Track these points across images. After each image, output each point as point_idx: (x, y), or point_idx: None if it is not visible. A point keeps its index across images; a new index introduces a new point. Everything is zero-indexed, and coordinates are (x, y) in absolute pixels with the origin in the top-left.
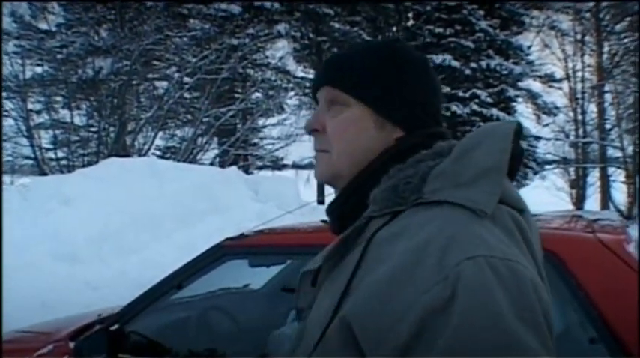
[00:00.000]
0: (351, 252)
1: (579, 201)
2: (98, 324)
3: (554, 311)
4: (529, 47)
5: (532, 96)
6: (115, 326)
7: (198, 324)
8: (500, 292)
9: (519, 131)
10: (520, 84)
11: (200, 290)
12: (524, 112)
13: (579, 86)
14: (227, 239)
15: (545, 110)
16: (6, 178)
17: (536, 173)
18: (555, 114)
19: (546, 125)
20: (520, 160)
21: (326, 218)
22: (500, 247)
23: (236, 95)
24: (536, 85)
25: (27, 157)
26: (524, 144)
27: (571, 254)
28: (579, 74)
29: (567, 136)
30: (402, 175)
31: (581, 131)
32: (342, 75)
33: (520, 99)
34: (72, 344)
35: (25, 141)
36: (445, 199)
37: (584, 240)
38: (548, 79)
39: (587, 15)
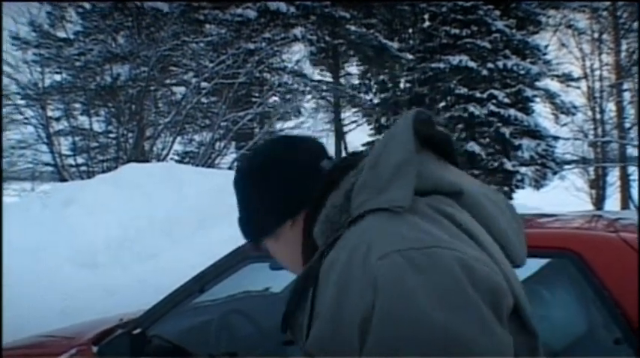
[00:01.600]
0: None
1: (599, 201)
2: (120, 328)
3: (578, 312)
4: (546, 46)
5: (550, 96)
6: (138, 330)
7: (220, 328)
8: (418, 282)
9: (425, 118)
10: (537, 84)
11: (222, 294)
12: (542, 112)
13: (597, 85)
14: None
15: (563, 110)
16: (26, 185)
17: (555, 173)
18: (574, 114)
19: (565, 125)
20: (450, 143)
21: None
22: (419, 237)
23: (253, 99)
24: (553, 85)
25: (47, 164)
26: (542, 145)
27: (594, 253)
28: (597, 73)
29: (586, 136)
30: (330, 201)
31: (600, 130)
32: (250, 233)
33: (538, 99)
34: (95, 349)
35: (45, 148)
36: (368, 208)
37: (607, 239)
38: (566, 79)
39: (605, 13)
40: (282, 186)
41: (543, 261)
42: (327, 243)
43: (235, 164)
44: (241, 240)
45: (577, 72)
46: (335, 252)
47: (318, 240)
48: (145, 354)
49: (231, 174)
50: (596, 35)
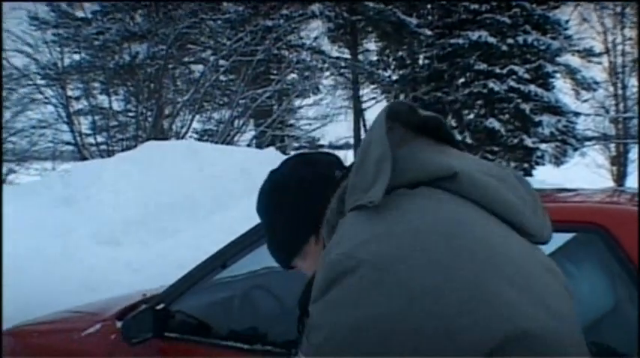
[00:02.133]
0: None
1: (620, 177)
2: (143, 304)
3: (604, 287)
4: (567, 21)
5: (571, 72)
6: (161, 306)
7: (242, 303)
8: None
9: (409, 108)
10: (558, 59)
11: (244, 270)
12: (563, 88)
13: (619, 60)
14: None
15: (584, 85)
16: (47, 164)
17: (575, 150)
18: (595, 90)
19: (586, 101)
20: (442, 126)
21: None
22: (346, 243)
23: (272, 76)
24: (574, 60)
25: (67, 143)
26: (563, 121)
27: (620, 227)
28: (619, 47)
29: (607, 112)
30: (330, 207)
31: (621, 106)
32: (279, 260)
33: (558, 75)
34: (119, 324)
35: (65, 127)
36: (349, 208)
37: (632, 212)
38: (587, 54)
39: None
40: (301, 204)
41: (568, 236)
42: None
43: (254, 142)
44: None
45: (598, 47)
46: (329, 251)
47: (325, 241)
48: (168, 329)
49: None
50: (618, 9)
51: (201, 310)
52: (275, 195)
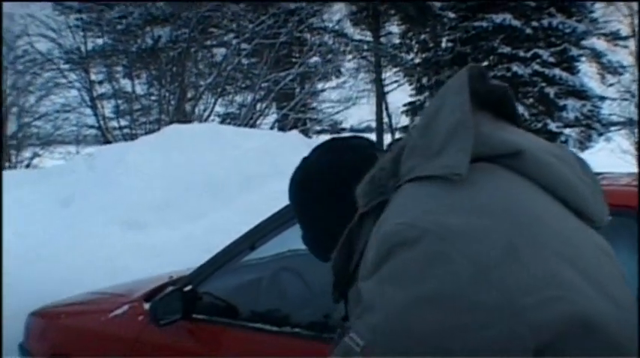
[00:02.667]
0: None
1: None
2: (170, 286)
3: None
4: (593, 4)
5: (596, 56)
6: (189, 287)
7: (270, 285)
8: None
9: (479, 74)
10: (583, 42)
11: (272, 252)
12: (588, 72)
13: None
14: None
15: (610, 69)
16: (71, 148)
17: (600, 134)
18: (621, 74)
19: (611, 85)
20: (509, 99)
21: None
22: (408, 212)
23: (294, 60)
24: (600, 44)
25: (91, 127)
26: (588, 106)
27: None
28: None
29: (633, 96)
30: (379, 163)
31: None
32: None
33: (584, 59)
34: (146, 305)
35: (88, 111)
36: (417, 176)
37: None
38: (614, 37)
39: None
40: (343, 195)
41: None
42: (369, 204)
43: (276, 125)
44: (286, 200)
45: (625, 30)
46: (386, 221)
47: (360, 199)
48: (196, 311)
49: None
50: None
51: (229, 292)
52: (313, 185)
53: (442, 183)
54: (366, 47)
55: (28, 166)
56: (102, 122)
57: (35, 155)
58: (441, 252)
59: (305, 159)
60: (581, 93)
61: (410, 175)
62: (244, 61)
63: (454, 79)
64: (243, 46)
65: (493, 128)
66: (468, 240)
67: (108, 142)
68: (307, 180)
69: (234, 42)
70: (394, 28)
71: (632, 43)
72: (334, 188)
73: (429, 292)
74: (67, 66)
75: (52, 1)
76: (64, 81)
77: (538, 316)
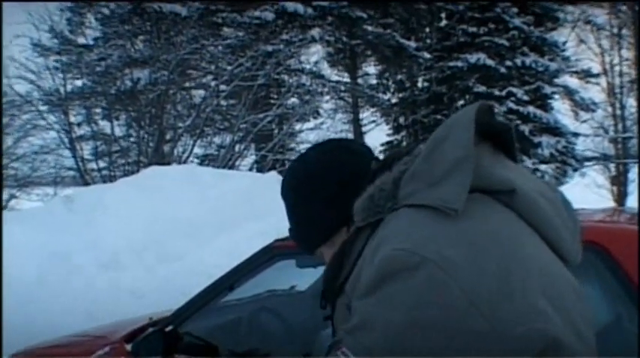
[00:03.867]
0: (348, 264)
1: (621, 197)
2: (151, 327)
3: (602, 303)
4: (564, 43)
5: (569, 93)
6: (170, 328)
7: (249, 325)
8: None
9: (489, 109)
10: (556, 80)
11: (251, 291)
12: (562, 109)
13: (617, 80)
14: (277, 240)
15: (582, 106)
16: (49, 190)
17: (575, 170)
18: (594, 110)
19: (585, 121)
20: (511, 135)
21: None
22: (424, 241)
23: (272, 101)
24: (573, 81)
25: (69, 168)
26: (562, 142)
27: (619, 246)
28: (617, 68)
29: (606, 132)
30: (378, 182)
31: (620, 126)
32: (302, 246)
33: (557, 96)
34: (128, 346)
35: (67, 152)
36: (415, 203)
37: (631, 232)
38: (585, 75)
39: (624, 8)
40: (339, 194)
41: None
42: (366, 220)
43: (255, 166)
44: (264, 241)
45: (596, 68)
46: (385, 245)
47: (357, 215)
48: (177, 351)
49: (253, 175)
50: (615, 30)
51: (210, 332)
52: (312, 181)
53: (439, 213)
54: (343, 88)
55: (4, 208)
56: (80, 164)
57: (12, 196)
58: (441, 281)
59: (304, 155)
60: (555, 130)
61: (408, 200)
62: (223, 102)
63: (463, 113)
64: (222, 87)
65: (493, 162)
66: (464, 271)
67: (86, 184)
68: (306, 176)
69: (212, 84)
70: (371, 68)
71: (603, 80)
72: (330, 188)
73: (427, 318)
74: (45, 107)
75: (57, 0)
76: (42, 122)
77: (526, 343)
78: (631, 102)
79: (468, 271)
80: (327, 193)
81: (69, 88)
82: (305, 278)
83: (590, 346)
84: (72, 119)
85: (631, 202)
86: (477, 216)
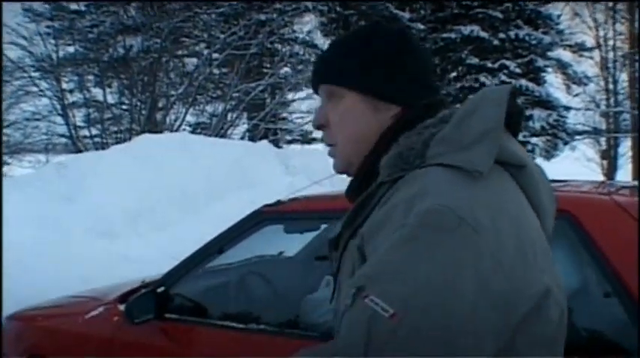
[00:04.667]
0: (364, 214)
1: (610, 171)
2: (143, 289)
3: (571, 268)
4: (559, 16)
5: (562, 66)
6: (162, 289)
7: (237, 288)
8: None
9: (514, 92)
10: (550, 54)
11: (240, 255)
12: (554, 82)
13: (611, 55)
14: (265, 205)
15: (575, 80)
16: (41, 157)
17: (566, 143)
18: (586, 84)
19: (577, 95)
20: (520, 118)
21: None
22: (461, 202)
23: (265, 70)
24: (566, 55)
25: (61, 135)
26: (554, 115)
27: (586, 213)
28: (610, 42)
29: (598, 106)
30: (407, 142)
31: (612, 101)
32: (328, 70)
33: (550, 70)
34: (121, 306)
35: (59, 119)
36: (443, 162)
37: (599, 201)
38: (579, 48)
39: None
40: (409, 68)
41: None
42: (391, 176)
43: (247, 135)
44: (254, 207)
45: (590, 42)
46: (396, 189)
47: (384, 169)
48: (168, 311)
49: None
50: (610, 4)
51: (200, 294)
52: (379, 42)
53: (466, 176)
54: None
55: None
56: (73, 131)
57: (4, 163)
58: (474, 243)
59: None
60: (547, 104)
61: (436, 160)
62: (215, 71)
63: (497, 90)
64: (215, 56)
65: (506, 138)
66: (490, 234)
67: (78, 151)
68: (382, 28)
69: (205, 52)
70: None
71: (596, 54)
72: (392, 47)
73: (460, 277)
74: (37, 74)
75: (56, 1)
76: (34, 89)
77: (534, 299)
78: (623, 76)
79: (493, 234)
80: (385, 52)
81: (61, 54)
82: (292, 243)
83: (564, 297)
84: (64, 86)
85: (620, 176)
86: (495, 182)
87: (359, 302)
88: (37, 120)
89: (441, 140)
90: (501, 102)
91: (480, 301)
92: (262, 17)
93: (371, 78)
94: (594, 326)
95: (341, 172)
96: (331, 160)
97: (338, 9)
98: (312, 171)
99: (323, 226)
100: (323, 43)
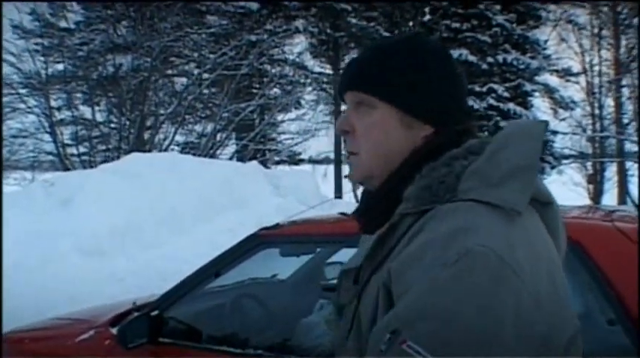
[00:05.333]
0: (387, 246)
1: (597, 195)
2: (135, 311)
3: (575, 295)
4: (546, 41)
5: (549, 91)
6: (155, 312)
7: (232, 311)
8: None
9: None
10: (537, 78)
11: (236, 279)
12: (541, 107)
13: (596, 80)
14: (262, 228)
15: (562, 104)
16: (27, 174)
17: (553, 167)
18: (572, 109)
19: (563, 119)
20: (543, 153)
21: (344, 211)
22: (502, 243)
23: (254, 91)
24: (553, 80)
25: (49, 153)
26: None
27: (591, 241)
28: (596, 68)
29: (584, 131)
30: (435, 174)
31: (598, 125)
32: (364, 78)
33: (537, 94)
34: (113, 330)
35: (47, 137)
36: (476, 198)
37: (603, 228)
38: (565, 73)
39: (605, 9)
40: (448, 88)
41: None
42: (417, 208)
43: (235, 155)
44: (244, 230)
45: (576, 67)
46: (425, 223)
47: (409, 202)
48: (162, 335)
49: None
50: (595, 30)
51: (194, 317)
52: (422, 57)
53: (502, 214)
54: (325, 79)
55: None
56: (60, 148)
57: None
58: (516, 287)
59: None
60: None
61: (469, 195)
62: (205, 91)
63: (533, 124)
64: (205, 76)
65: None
66: (531, 279)
67: (66, 169)
68: (426, 39)
69: (195, 72)
70: None
71: (582, 79)
72: (434, 62)
73: (502, 321)
74: (25, 90)
75: (51, 1)
76: (22, 106)
77: (569, 345)
78: (609, 101)
79: (531, 276)
80: (426, 67)
81: (50, 71)
82: (287, 266)
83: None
84: (52, 103)
85: (606, 200)
86: (529, 221)
87: (395, 348)
88: (25, 137)
89: (473, 173)
90: (538, 137)
91: (520, 346)
92: (253, 38)
93: (414, 95)
94: (597, 353)
95: (359, 183)
96: (319, 182)
97: (328, 31)
98: (301, 193)
99: (318, 250)
100: (312, 64)
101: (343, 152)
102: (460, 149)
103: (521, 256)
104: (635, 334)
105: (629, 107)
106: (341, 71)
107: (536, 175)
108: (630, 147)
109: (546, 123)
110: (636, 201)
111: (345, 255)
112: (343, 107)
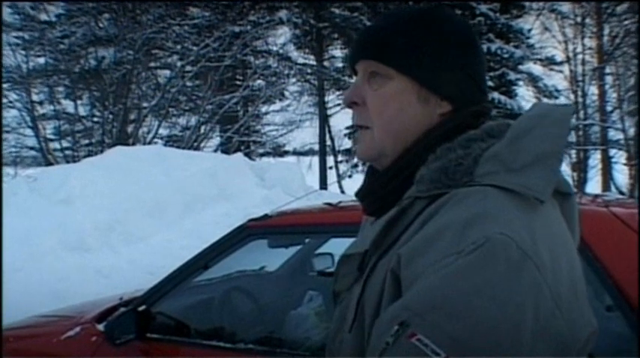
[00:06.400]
0: (396, 231)
1: (581, 183)
2: (122, 307)
3: None
4: (529, 30)
5: (533, 80)
6: (143, 307)
7: (220, 305)
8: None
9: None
10: (521, 67)
11: (225, 271)
12: (525, 96)
13: (580, 69)
14: (251, 220)
15: (546, 93)
16: (9, 170)
17: None
18: (556, 97)
19: None
20: None
21: (329, 201)
22: (524, 233)
23: (238, 82)
24: (536, 68)
25: (31, 148)
26: None
27: (587, 226)
28: (580, 57)
29: None
30: (452, 156)
31: (582, 114)
32: (382, 46)
33: (521, 83)
34: (99, 326)
35: (29, 131)
36: (496, 183)
37: (598, 213)
38: (549, 62)
39: None
40: (470, 65)
41: None
42: (431, 191)
43: (220, 148)
44: (229, 222)
45: (560, 56)
46: (439, 207)
47: (422, 184)
48: (150, 330)
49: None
50: (579, 19)
51: (182, 311)
52: (446, 30)
53: (523, 202)
54: (309, 71)
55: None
56: (43, 143)
57: None
58: (537, 282)
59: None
60: (518, 116)
61: (487, 180)
62: (188, 83)
63: (559, 109)
64: (188, 68)
65: None
66: (552, 275)
67: (49, 164)
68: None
69: (178, 64)
70: (337, 51)
71: (566, 68)
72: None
73: (522, 320)
74: (6, 85)
75: (47, 0)
76: (3, 100)
77: (586, 343)
78: (593, 90)
79: (551, 271)
80: (448, 39)
81: (31, 65)
82: (276, 258)
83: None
84: (34, 97)
85: (590, 188)
86: (550, 212)
87: (404, 342)
88: (6, 132)
89: (492, 157)
90: (565, 122)
91: (538, 344)
92: (236, 29)
93: (436, 68)
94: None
95: (368, 161)
96: (304, 173)
97: (312, 21)
98: (286, 184)
99: (307, 240)
100: (296, 56)
101: (328, 143)
102: (478, 131)
103: (543, 248)
104: (634, 320)
105: (612, 95)
106: (325, 62)
107: (561, 163)
108: (614, 134)
109: (573, 107)
110: (621, 189)
111: (333, 245)
112: (327, 97)
